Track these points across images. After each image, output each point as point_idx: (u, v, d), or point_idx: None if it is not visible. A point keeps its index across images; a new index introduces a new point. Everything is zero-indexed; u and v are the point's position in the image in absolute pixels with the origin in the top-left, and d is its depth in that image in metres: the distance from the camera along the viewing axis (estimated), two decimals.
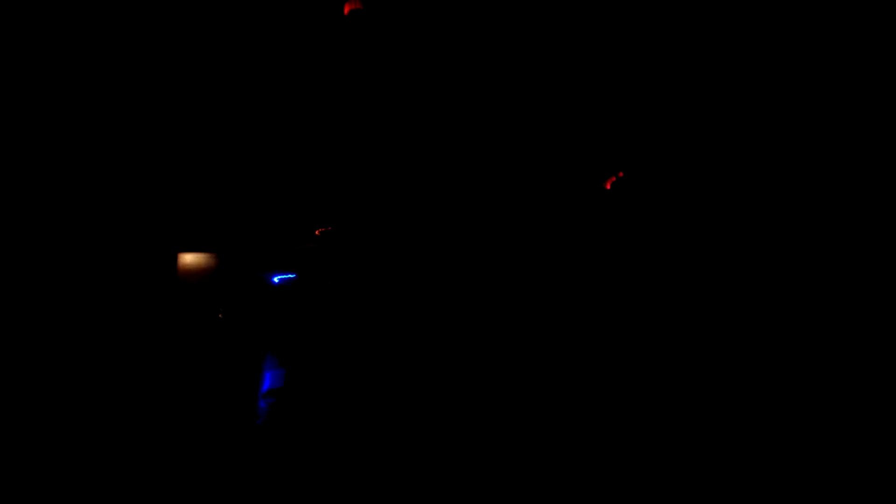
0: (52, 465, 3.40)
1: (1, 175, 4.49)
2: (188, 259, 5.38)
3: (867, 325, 4.12)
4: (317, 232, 5.67)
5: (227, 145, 5.24)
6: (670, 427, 4.32)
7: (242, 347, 5.40)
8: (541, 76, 4.78)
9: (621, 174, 4.74)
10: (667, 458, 3.93)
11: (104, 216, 5.00)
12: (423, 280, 5.66)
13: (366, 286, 5.77)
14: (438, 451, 3.97)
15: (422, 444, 4.06)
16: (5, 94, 4.48)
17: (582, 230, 5.34)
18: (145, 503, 3.24)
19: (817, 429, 3.94)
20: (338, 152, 5.43)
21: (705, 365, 4.65)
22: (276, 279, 5.66)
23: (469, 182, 5.58)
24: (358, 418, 4.31)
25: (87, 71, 4.59)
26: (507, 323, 5.29)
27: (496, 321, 5.32)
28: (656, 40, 4.35)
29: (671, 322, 4.90)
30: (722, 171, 4.91)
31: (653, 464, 3.89)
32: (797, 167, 4.56)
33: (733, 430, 4.13)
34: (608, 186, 4.69)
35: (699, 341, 4.74)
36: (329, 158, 5.47)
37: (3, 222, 4.46)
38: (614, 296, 5.19)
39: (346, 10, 4.18)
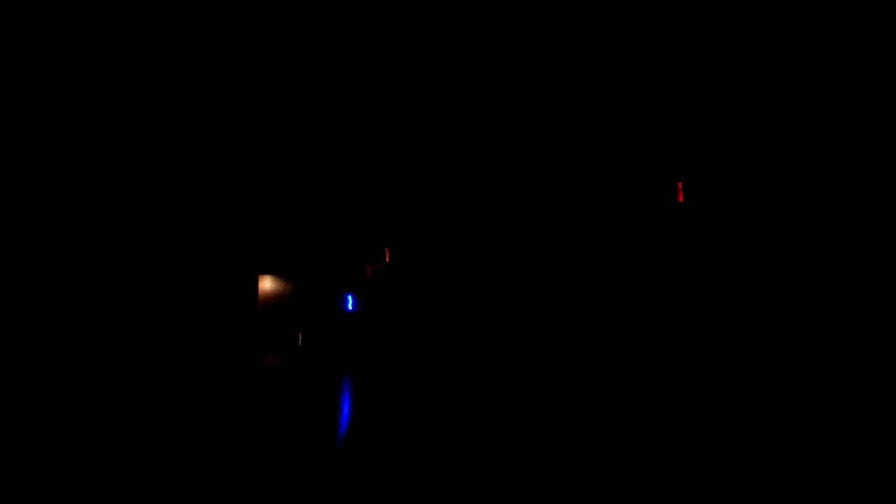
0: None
1: (100, 217, 4.89)
2: (267, 283, 5.32)
3: (867, 325, 4.12)
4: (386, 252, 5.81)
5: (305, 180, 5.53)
6: (678, 425, 4.33)
7: (322, 369, 5.59)
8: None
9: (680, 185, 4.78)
10: (667, 455, 3.94)
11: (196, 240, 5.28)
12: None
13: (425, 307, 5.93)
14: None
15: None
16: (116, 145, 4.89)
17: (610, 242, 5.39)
18: None
19: (816, 427, 3.95)
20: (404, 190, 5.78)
21: (705, 363, 4.65)
22: (349, 304, 5.63)
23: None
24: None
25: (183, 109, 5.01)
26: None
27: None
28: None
29: (674, 322, 4.91)
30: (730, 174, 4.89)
31: (653, 461, 3.90)
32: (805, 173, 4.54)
33: (733, 429, 4.14)
34: (680, 196, 4.74)
35: (700, 341, 4.75)
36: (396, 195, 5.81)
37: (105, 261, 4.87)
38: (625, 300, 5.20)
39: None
